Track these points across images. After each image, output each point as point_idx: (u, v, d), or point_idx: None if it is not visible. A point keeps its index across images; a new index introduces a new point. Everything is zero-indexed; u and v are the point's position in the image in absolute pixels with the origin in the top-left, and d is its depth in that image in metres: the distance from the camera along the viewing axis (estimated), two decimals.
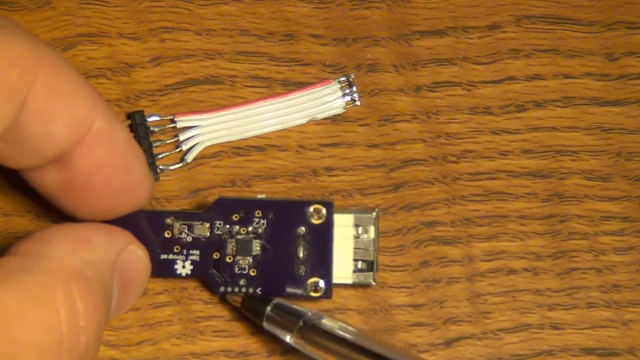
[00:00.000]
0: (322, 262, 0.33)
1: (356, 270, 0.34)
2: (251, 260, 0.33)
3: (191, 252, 0.33)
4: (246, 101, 0.36)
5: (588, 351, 0.36)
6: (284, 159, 0.36)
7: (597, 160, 0.37)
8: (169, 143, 0.36)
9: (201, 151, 0.36)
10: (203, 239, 0.33)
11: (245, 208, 0.33)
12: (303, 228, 0.33)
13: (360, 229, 0.34)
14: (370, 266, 0.34)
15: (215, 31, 0.37)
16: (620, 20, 0.38)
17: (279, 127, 0.36)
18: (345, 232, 0.34)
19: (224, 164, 0.36)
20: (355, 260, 0.34)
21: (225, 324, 0.35)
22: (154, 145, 0.35)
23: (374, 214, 0.34)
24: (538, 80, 0.37)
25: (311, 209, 0.33)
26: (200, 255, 0.33)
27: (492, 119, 0.37)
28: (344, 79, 0.36)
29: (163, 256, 0.33)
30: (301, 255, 0.33)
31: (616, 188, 0.37)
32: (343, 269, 0.34)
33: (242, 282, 0.33)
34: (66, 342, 0.27)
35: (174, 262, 0.33)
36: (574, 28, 0.38)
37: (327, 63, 0.37)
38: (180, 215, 0.33)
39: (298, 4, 0.37)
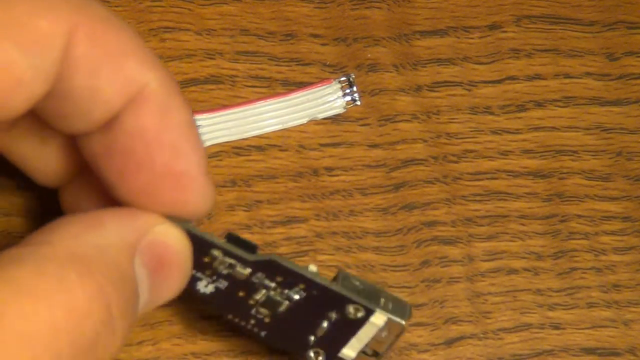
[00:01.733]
0: (335, 342, 0.32)
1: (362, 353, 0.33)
2: (271, 313, 0.32)
3: (221, 280, 0.32)
4: (246, 101, 0.36)
5: (589, 351, 0.36)
6: (285, 158, 0.36)
7: (598, 160, 0.37)
8: None
9: None
10: (238, 278, 0.32)
11: (292, 277, 0.31)
12: (336, 315, 0.32)
13: (384, 333, 0.32)
14: (375, 354, 0.33)
15: (216, 31, 0.37)
16: (621, 20, 0.38)
17: (280, 127, 0.36)
18: (369, 327, 0.32)
19: (225, 164, 0.36)
20: (364, 348, 0.33)
21: (227, 324, 0.35)
22: None
23: (404, 322, 0.32)
24: (538, 80, 0.37)
25: (351, 308, 0.32)
26: (227, 287, 0.32)
27: (492, 118, 0.37)
28: (344, 78, 0.36)
29: (192, 271, 0.31)
30: (321, 331, 0.32)
31: (616, 188, 0.37)
32: (349, 349, 0.33)
33: (252, 321, 0.32)
34: (64, 330, 0.25)
35: (199, 279, 0.32)
36: (575, 28, 0.38)
37: (328, 63, 0.37)
38: (229, 253, 0.31)
39: (298, 3, 0.37)
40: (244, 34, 0.37)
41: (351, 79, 0.36)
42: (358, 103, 0.37)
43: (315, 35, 0.37)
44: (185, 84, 0.36)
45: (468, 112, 0.37)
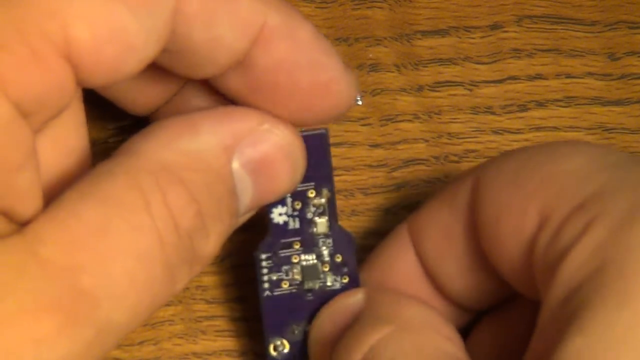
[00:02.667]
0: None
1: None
2: (298, 282, 0.32)
3: (296, 220, 0.32)
4: None
5: None
6: None
7: None
8: None
9: None
10: (312, 229, 0.32)
11: (348, 268, 0.32)
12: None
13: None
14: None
15: None
16: (622, 20, 0.38)
17: None
18: None
19: None
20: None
21: (228, 324, 0.35)
22: None
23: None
24: (540, 80, 0.37)
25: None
26: (294, 229, 0.32)
27: (494, 118, 0.37)
28: None
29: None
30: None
31: None
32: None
33: (278, 276, 0.32)
34: (167, 239, 0.25)
35: (282, 204, 0.32)
36: (576, 28, 0.38)
37: None
38: (331, 202, 0.32)
39: (300, 3, 0.37)
40: None
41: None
42: (360, 103, 0.36)
43: None
44: None
45: (469, 112, 0.37)
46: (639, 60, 0.38)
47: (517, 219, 0.28)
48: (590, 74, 0.38)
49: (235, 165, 0.28)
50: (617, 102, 0.38)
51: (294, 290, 0.32)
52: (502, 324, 0.31)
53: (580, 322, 0.25)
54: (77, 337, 0.24)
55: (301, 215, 0.32)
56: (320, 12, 0.37)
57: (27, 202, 0.25)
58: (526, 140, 0.37)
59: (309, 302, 0.32)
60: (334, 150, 0.36)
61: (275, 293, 0.32)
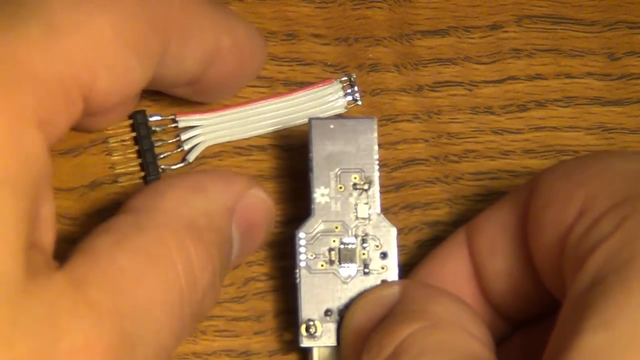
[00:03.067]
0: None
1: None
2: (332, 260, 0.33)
3: (338, 204, 0.32)
4: (248, 101, 0.36)
5: None
6: (286, 158, 0.36)
7: None
8: (170, 143, 0.36)
9: (203, 151, 0.36)
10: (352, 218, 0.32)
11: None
12: None
13: None
14: None
15: None
16: (622, 20, 0.38)
17: (281, 126, 0.36)
18: None
19: (226, 164, 0.36)
20: None
21: (227, 324, 0.35)
22: (156, 145, 0.35)
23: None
24: (539, 80, 0.37)
25: None
26: (334, 211, 0.33)
27: (493, 118, 0.37)
28: (345, 78, 0.36)
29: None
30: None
31: None
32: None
33: (312, 256, 0.33)
34: (186, 294, 0.27)
35: (326, 184, 0.33)
36: (576, 28, 0.38)
37: (329, 63, 0.37)
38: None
39: (300, 3, 0.37)
40: None
41: (352, 79, 0.36)
42: (359, 103, 0.37)
43: (317, 35, 0.37)
44: None
45: (469, 112, 0.37)
46: (639, 61, 0.38)
47: (561, 206, 0.28)
48: (590, 74, 0.38)
49: (233, 227, 0.30)
50: (617, 102, 0.38)
51: (330, 273, 0.32)
52: (533, 338, 0.32)
53: (600, 315, 0.24)
54: None
55: (344, 199, 0.32)
56: (319, 12, 0.37)
57: (49, 233, 0.26)
58: (526, 140, 0.37)
59: (345, 286, 0.32)
60: None
61: (312, 274, 0.32)
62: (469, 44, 0.37)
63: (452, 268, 0.32)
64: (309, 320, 0.32)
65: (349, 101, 0.36)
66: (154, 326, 0.26)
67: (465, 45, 0.37)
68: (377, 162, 0.33)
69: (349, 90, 0.36)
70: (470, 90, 0.37)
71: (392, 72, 0.37)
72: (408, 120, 0.37)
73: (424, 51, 0.37)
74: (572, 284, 0.27)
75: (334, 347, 0.32)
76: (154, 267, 0.26)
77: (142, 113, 0.35)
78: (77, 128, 0.31)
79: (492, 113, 0.37)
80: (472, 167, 0.37)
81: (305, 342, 0.32)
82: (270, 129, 0.36)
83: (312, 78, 0.37)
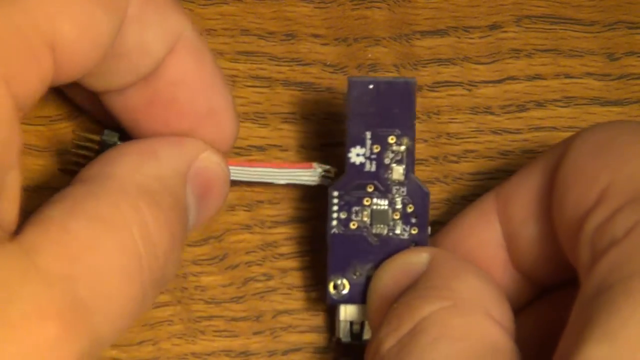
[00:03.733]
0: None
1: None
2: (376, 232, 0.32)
3: (373, 164, 0.32)
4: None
5: None
6: (285, 158, 0.36)
7: None
8: None
9: None
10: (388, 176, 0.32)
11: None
12: None
13: None
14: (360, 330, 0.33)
15: (216, 31, 0.37)
16: (621, 20, 0.38)
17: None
18: None
19: None
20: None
21: (226, 324, 0.35)
22: None
23: None
24: (539, 80, 0.37)
25: None
26: (371, 171, 0.32)
27: (493, 118, 0.37)
28: (327, 169, 0.34)
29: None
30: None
31: None
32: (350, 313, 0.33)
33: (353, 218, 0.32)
34: (145, 258, 0.27)
35: (362, 144, 0.32)
36: (575, 28, 0.38)
37: (328, 63, 0.37)
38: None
39: (299, 3, 0.37)
40: (244, 34, 0.37)
41: (331, 171, 0.34)
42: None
43: (316, 35, 0.37)
44: None
45: (468, 112, 0.37)
46: (638, 61, 0.38)
47: (585, 185, 0.28)
48: (589, 74, 0.38)
49: (188, 191, 0.30)
50: (616, 102, 0.38)
51: (361, 233, 0.32)
52: (559, 302, 0.31)
53: (603, 326, 0.24)
54: (74, 345, 0.24)
55: (379, 160, 0.32)
56: (319, 12, 0.37)
57: (11, 204, 0.25)
58: (525, 140, 0.37)
59: (375, 247, 0.32)
60: (333, 150, 0.36)
61: (343, 232, 0.32)
62: (469, 44, 0.37)
63: (481, 235, 0.32)
64: (337, 277, 0.32)
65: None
66: (111, 291, 0.25)
67: (464, 46, 0.37)
68: (414, 123, 0.32)
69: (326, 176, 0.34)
70: (469, 90, 0.37)
71: (391, 72, 0.37)
72: None
73: (424, 51, 0.37)
74: (583, 285, 0.26)
75: (361, 305, 0.33)
76: (109, 232, 0.26)
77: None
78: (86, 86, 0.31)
79: (492, 113, 0.37)
80: (471, 167, 0.37)
81: (332, 300, 0.32)
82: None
83: (312, 78, 0.37)
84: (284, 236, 0.36)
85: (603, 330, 0.24)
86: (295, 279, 0.35)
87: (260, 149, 0.36)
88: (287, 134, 0.36)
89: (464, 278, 0.30)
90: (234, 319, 0.35)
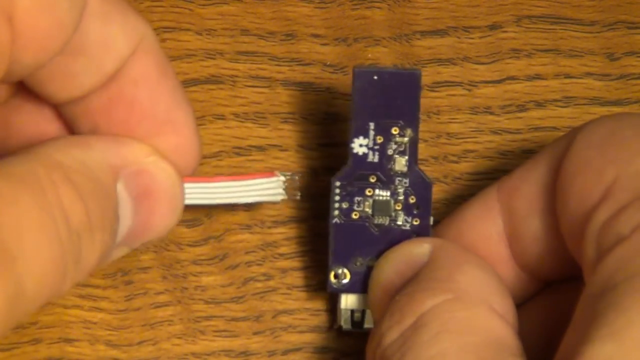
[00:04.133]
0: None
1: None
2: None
3: (376, 154, 0.32)
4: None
5: None
6: (285, 158, 0.36)
7: None
8: None
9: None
10: (390, 166, 0.32)
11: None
12: None
13: None
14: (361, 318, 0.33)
15: (216, 31, 0.37)
16: (621, 20, 0.38)
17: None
18: None
19: (225, 164, 0.36)
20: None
21: (226, 324, 0.35)
22: None
23: None
24: (539, 80, 0.37)
25: None
26: (372, 161, 0.32)
27: (492, 118, 0.37)
28: (288, 176, 0.33)
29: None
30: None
31: None
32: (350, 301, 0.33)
33: (347, 205, 0.32)
34: (61, 226, 0.26)
35: (365, 134, 0.32)
36: (575, 28, 0.38)
37: (328, 63, 0.37)
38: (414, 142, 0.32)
39: (299, 3, 0.37)
40: (244, 34, 0.37)
41: (295, 178, 0.33)
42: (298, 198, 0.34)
43: (316, 35, 0.37)
44: (186, 84, 0.36)
45: (468, 112, 0.37)
46: (638, 61, 0.38)
47: (590, 180, 0.28)
48: (589, 74, 0.38)
49: (120, 186, 0.29)
50: (616, 102, 0.38)
51: (363, 223, 0.32)
52: (560, 297, 0.31)
53: (609, 326, 0.24)
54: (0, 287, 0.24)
55: (382, 150, 0.32)
56: (319, 12, 0.37)
57: None
58: (525, 140, 0.37)
59: (377, 237, 0.33)
60: (333, 151, 0.36)
61: (344, 222, 0.33)
62: (468, 44, 0.37)
63: (483, 229, 0.32)
64: (338, 267, 0.33)
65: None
66: (32, 243, 0.25)
67: (464, 46, 0.37)
68: (418, 115, 0.32)
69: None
70: (469, 90, 0.37)
71: None
72: None
73: (423, 51, 0.37)
74: (588, 283, 0.26)
75: (362, 294, 0.33)
76: (27, 190, 0.26)
77: None
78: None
79: (491, 113, 0.37)
80: (471, 168, 0.37)
81: (333, 288, 0.33)
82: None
83: (312, 78, 0.37)
84: (284, 236, 0.36)
85: (609, 329, 0.24)
86: (295, 279, 0.35)
87: (260, 149, 0.36)
88: (287, 134, 0.36)
89: (466, 270, 0.30)
90: (234, 319, 0.35)
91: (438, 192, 0.36)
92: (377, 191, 0.32)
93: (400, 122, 0.32)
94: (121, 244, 0.29)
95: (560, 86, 0.37)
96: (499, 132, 0.37)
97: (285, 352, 0.35)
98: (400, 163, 0.32)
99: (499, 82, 0.37)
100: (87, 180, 0.28)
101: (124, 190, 0.29)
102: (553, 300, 0.32)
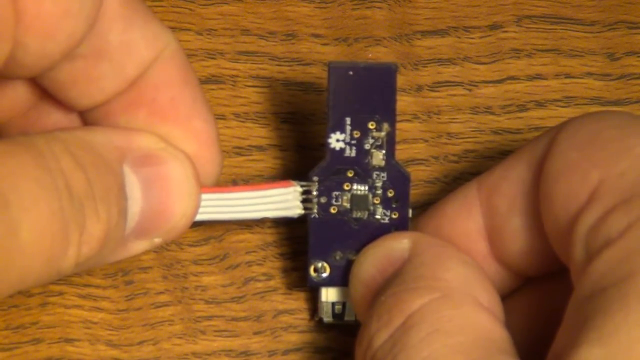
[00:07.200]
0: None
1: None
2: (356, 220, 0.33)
3: (353, 149, 0.32)
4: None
5: None
6: (285, 158, 0.36)
7: None
8: None
9: None
10: (367, 161, 0.32)
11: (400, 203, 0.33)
12: None
13: None
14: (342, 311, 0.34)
15: (217, 31, 0.37)
16: (622, 20, 0.38)
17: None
18: None
19: (225, 164, 0.36)
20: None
21: (227, 324, 0.35)
22: None
23: None
24: (539, 80, 0.37)
25: None
26: (350, 157, 0.32)
27: (493, 118, 0.37)
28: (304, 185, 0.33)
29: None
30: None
31: None
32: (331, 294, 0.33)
33: (325, 200, 0.32)
34: (59, 182, 0.26)
35: (342, 130, 0.32)
36: (575, 28, 0.38)
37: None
38: (391, 137, 0.32)
39: (299, 3, 0.37)
40: (244, 34, 0.37)
41: (312, 187, 0.33)
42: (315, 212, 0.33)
43: (316, 35, 0.37)
44: None
45: (469, 112, 0.37)
46: (638, 61, 0.38)
47: (575, 182, 0.28)
48: (589, 74, 0.38)
49: (127, 168, 0.29)
50: (617, 102, 0.38)
51: (341, 217, 0.33)
52: (543, 292, 0.31)
53: (597, 330, 0.24)
54: None
55: (359, 145, 0.32)
56: (319, 12, 0.37)
57: None
58: (525, 140, 0.37)
59: (355, 231, 0.33)
60: None
61: (322, 216, 0.33)
62: (469, 44, 0.37)
63: (462, 225, 0.32)
64: (318, 261, 0.33)
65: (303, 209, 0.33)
66: (29, 194, 0.25)
67: (464, 45, 0.37)
68: (395, 108, 0.32)
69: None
70: (469, 90, 0.37)
71: None
72: (407, 120, 0.37)
73: (424, 51, 0.37)
74: (577, 287, 0.26)
75: (342, 288, 0.33)
76: (26, 150, 0.26)
77: None
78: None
79: (492, 113, 0.37)
80: (471, 168, 0.37)
81: (313, 282, 0.33)
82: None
83: (312, 78, 0.37)
84: (285, 236, 0.36)
85: (598, 333, 0.25)
86: (295, 279, 0.35)
87: (260, 149, 0.36)
88: (287, 134, 0.36)
89: (449, 265, 0.30)
90: (235, 319, 0.35)
91: (439, 192, 0.36)
92: (355, 185, 0.33)
93: (377, 116, 0.32)
94: (138, 233, 0.29)
95: (561, 86, 0.37)
96: (500, 132, 0.37)
97: (286, 352, 0.35)
98: (378, 157, 0.33)
99: (499, 82, 0.37)
100: (88, 154, 0.28)
101: (131, 172, 0.29)
102: (533, 296, 0.32)
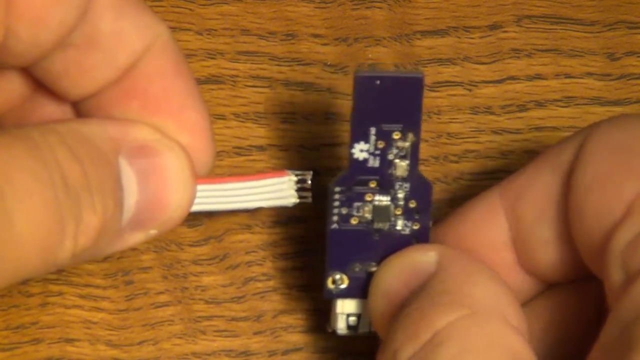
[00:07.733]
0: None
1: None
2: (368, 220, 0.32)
3: (377, 159, 0.31)
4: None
5: None
6: (285, 158, 0.36)
7: None
8: None
9: None
10: (390, 168, 0.32)
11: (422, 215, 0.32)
12: None
13: None
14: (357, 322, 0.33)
15: (217, 31, 0.37)
16: (622, 20, 0.38)
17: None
18: None
19: (225, 164, 0.36)
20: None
21: (227, 324, 0.35)
22: None
23: None
24: (539, 80, 0.37)
25: None
26: (373, 167, 0.32)
27: (493, 118, 0.37)
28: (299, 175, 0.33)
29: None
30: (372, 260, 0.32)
31: None
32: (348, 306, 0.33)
33: (347, 211, 0.32)
34: (55, 173, 0.26)
35: (365, 139, 0.31)
36: (575, 28, 0.38)
37: (329, 63, 0.37)
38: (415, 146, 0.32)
39: (299, 3, 0.37)
40: (244, 34, 0.37)
41: (307, 178, 0.33)
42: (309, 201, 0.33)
43: (316, 35, 0.37)
44: None
45: (469, 112, 0.37)
46: (638, 61, 0.38)
47: (609, 194, 0.27)
48: (589, 74, 0.38)
49: (122, 160, 0.28)
50: (617, 102, 0.38)
51: (362, 228, 0.32)
52: (565, 297, 0.31)
53: None
54: None
55: (382, 155, 0.32)
56: (319, 12, 0.37)
57: None
58: (525, 140, 0.37)
59: (376, 242, 0.32)
60: (333, 151, 0.36)
61: (343, 227, 0.32)
62: (469, 44, 0.37)
63: (487, 235, 0.31)
64: (336, 273, 0.32)
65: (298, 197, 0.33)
66: (23, 185, 0.25)
67: (464, 45, 0.37)
68: (420, 118, 0.31)
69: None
70: (470, 90, 0.37)
71: None
72: None
73: (424, 51, 0.37)
74: (617, 307, 0.26)
75: (358, 300, 0.32)
76: (20, 142, 0.26)
77: None
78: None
79: (492, 113, 0.37)
80: (472, 168, 0.37)
81: (331, 294, 0.32)
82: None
83: (312, 78, 0.37)
84: (285, 236, 0.36)
85: None
86: (295, 279, 0.35)
87: (260, 148, 0.36)
88: (287, 134, 0.36)
89: (478, 282, 0.29)
90: (235, 319, 0.35)
91: (439, 192, 0.36)
92: (377, 196, 0.32)
93: (402, 126, 0.32)
94: (134, 225, 0.29)
95: (561, 86, 0.37)
96: (500, 132, 0.37)
97: (286, 352, 0.35)
98: (402, 168, 0.32)
99: (499, 82, 0.37)
100: (84, 145, 0.28)
101: (127, 163, 0.29)
102: (554, 300, 0.31)
